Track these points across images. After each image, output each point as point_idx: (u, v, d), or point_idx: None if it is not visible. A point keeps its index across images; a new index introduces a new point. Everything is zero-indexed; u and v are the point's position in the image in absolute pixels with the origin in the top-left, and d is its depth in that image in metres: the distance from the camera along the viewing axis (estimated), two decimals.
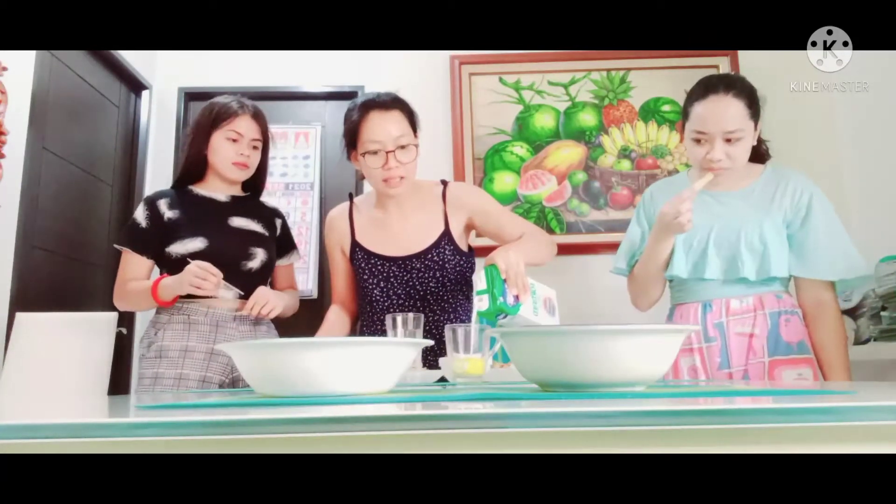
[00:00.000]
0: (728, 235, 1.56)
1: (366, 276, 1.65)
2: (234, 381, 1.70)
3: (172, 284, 1.62)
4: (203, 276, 1.56)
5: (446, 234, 1.64)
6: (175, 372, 1.64)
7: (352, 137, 1.58)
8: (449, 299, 1.66)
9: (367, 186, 1.86)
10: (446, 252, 1.63)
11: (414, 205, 1.67)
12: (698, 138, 1.54)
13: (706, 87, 1.54)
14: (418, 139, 1.60)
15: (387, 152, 1.52)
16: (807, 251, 1.55)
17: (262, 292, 1.70)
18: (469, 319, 1.63)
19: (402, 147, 1.54)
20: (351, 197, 1.75)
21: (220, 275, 1.59)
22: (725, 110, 1.50)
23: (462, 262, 1.67)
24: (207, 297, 1.66)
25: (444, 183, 1.71)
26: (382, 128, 1.52)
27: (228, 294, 1.67)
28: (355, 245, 1.68)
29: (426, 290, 1.63)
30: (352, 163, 1.65)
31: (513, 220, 1.72)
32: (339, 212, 1.75)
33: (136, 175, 3.09)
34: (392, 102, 1.57)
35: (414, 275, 1.62)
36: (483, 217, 1.68)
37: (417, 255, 1.62)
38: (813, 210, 1.56)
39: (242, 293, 1.69)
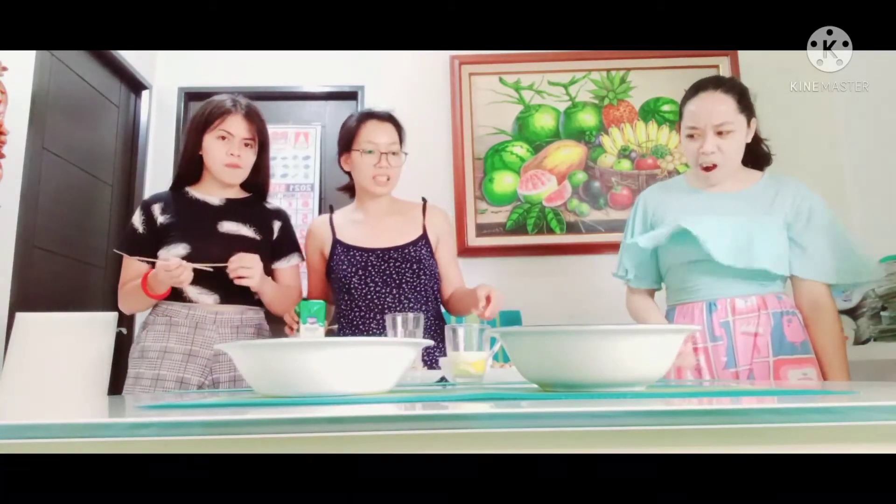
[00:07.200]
0: (728, 225, 1.56)
1: (344, 267, 1.74)
2: (214, 383, 1.66)
3: (158, 275, 1.60)
4: (176, 275, 1.55)
5: (424, 238, 1.80)
6: (153, 373, 1.61)
7: (349, 139, 1.79)
8: (423, 290, 1.75)
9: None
10: (423, 252, 1.76)
11: (394, 211, 1.85)
12: (691, 134, 1.61)
13: (697, 87, 1.64)
14: (404, 151, 1.83)
15: (381, 153, 1.75)
16: (811, 253, 1.57)
17: (245, 257, 1.63)
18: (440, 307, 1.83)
19: (393, 153, 1.77)
20: (331, 209, 1.91)
21: (185, 265, 1.57)
22: (715, 105, 1.57)
23: (436, 265, 1.79)
24: (190, 301, 1.66)
25: (424, 200, 1.90)
26: (378, 133, 1.77)
27: (197, 293, 1.67)
28: (336, 244, 1.79)
29: (402, 279, 1.73)
30: (341, 166, 1.85)
31: (455, 262, 1.88)
32: (319, 220, 1.91)
33: (136, 175, 3.09)
34: (387, 116, 1.82)
35: (391, 265, 1.73)
36: (442, 243, 1.83)
37: (396, 248, 1.75)
38: (816, 215, 1.57)
39: (211, 269, 1.63)
